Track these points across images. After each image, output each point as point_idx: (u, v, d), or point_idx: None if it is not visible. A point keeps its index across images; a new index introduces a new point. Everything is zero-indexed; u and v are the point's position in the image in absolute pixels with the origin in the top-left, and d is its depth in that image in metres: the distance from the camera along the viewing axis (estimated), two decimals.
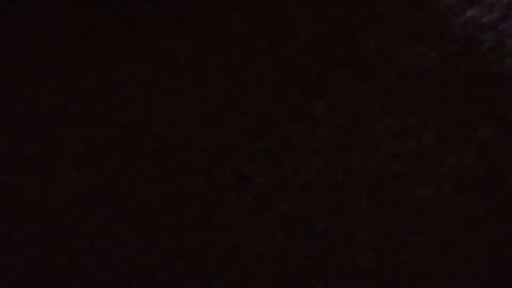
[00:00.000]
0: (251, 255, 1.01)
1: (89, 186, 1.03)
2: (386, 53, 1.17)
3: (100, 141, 1.07)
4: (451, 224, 1.06)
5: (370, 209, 1.06)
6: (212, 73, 1.14)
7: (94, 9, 1.14)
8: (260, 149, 1.08)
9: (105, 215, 1.04)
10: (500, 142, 1.12)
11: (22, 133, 1.08)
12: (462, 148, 1.11)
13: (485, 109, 1.15)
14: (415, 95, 1.14)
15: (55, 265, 1.00)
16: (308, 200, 1.06)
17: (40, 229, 1.03)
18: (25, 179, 1.06)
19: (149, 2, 1.17)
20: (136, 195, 1.03)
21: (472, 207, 1.07)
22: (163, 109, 1.10)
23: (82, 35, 1.14)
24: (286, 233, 1.04)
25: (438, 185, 1.08)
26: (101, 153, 1.06)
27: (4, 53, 1.11)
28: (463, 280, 1.05)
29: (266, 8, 1.17)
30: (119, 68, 1.12)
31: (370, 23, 1.20)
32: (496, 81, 1.18)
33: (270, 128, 1.09)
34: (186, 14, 1.19)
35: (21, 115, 1.10)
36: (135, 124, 1.08)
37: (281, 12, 1.18)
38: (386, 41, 1.19)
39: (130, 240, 1.02)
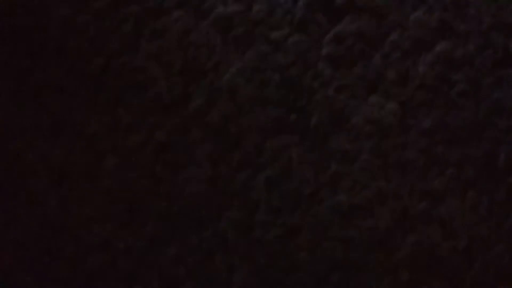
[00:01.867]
0: None
1: None
2: (336, 111, 0.99)
3: None
4: None
5: None
6: (134, 152, 0.99)
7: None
8: (189, 246, 0.94)
9: None
10: (468, 214, 0.95)
11: None
12: (424, 224, 0.95)
13: (452, 174, 0.97)
14: (369, 162, 0.97)
15: None
16: None
17: None
18: None
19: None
20: None
21: None
22: (78, 201, 0.96)
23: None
24: None
25: (395, 275, 0.93)
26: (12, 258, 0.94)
27: None
28: None
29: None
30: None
31: (316, 74, 1.02)
32: (469, 136, 1.00)
33: (201, 220, 0.95)
34: None
35: None
36: None
37: None
38: (335, 92, 1.01)
39: None
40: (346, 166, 0.97)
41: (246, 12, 1.04)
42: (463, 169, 0.97)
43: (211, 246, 0.93)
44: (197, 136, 0.99)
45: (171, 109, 1.00)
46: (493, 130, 0.99)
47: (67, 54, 1.03)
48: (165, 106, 1.00)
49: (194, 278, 0.92)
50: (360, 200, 0.95)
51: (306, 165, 0.97)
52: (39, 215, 0.96)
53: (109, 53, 1.03)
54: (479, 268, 0.92)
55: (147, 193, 0.96)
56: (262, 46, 1.03)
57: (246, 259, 0.92)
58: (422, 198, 0.95)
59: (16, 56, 1.04)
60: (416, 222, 0.94)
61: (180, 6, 1.05)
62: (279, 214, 0.95)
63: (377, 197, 0.95)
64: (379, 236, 0.93)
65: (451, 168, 0.97)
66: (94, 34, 1.03)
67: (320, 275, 0.91)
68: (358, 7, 1.04)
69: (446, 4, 1.05)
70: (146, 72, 1.02)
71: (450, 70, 1.02)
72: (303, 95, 1.00)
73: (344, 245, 0.93)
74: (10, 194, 0.98)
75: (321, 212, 0.95)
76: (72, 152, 0.99)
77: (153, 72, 1.02)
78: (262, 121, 0.99)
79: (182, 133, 0.99)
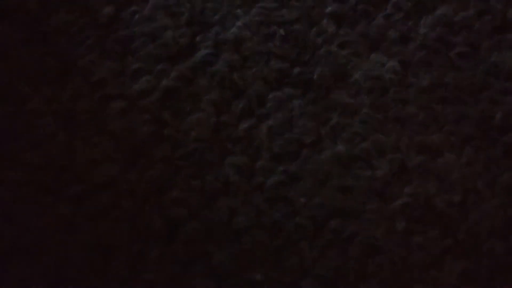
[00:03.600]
0: None
1: None
2: (338, 66, 1.02)
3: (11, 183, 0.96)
4: (404, 267, 0.93)
5: (315, 254, 0.94)
6: (140, 97, 1.01)
7: None
8: (192, 189, 0.96)
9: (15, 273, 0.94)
10: (464, 169, 0.98)
11: None
12: (421, 177, 0.98)
13: (450, 131, 1.00)
14: (369, 116, 1.00)
15: None
16: (244, 247, 0.94)
17: None
18: None
19: None
20: (51, 248, 0.93)
21: (428, 247, 0.94)
22: (83, 144, 0.98)
23: None
24: (219, 287, 0.93)
25: (391, 223, 0.95)
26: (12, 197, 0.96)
27: None
28: None
29: None
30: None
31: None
32: (467, 95, 1.03)
33: (204, 164, 0.97)
34: None
35: None
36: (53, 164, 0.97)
37: None
38: (338, 48, 1.04)
39: None
40: (346, 118, 0.99)
41: None
42: (460, 126, 1.00)
43: (214, 190, 0.95)
44: (202, 84, 1.01)
45: (178, 58, 1.03)
46: (490, 91, 1.02)
47: (77, 1, 1.05)
48: (172, 55, 1.03)
49: (196, 220, 0.94)
50: (359, 151, 0.98)
51: (307, 116, 0.99)
52: (44, 156, 0.98)
53: (118, 2, 1.06)
54: (473, 221, 0.95)
55: (152, 137, 0.98)
56: (268, 1, 1.06)
57: (247, 203, 0.94)
58: (419, 151, 0.98)
59: (27, 2, 1.06)
60: (413, 174, 0.97)
61: None
62: (281, 161, 0.97)
63: (376, 149, 0.98)
64: (377, 186, 0.96)
65: (448, 125, 1.00)
66: None
67: (318, 221, 0.94)
68: None
69: None
70: (155, 22, 1.04)
71: (450, 32, 1.05)
72: (307, 50, 1.03)
73: (342, 193, 0.95)
74: (16, 137, 1.00)
75: (321, 161, 0.97)
76: (80, 97, 1.01)
77: (161, 22, 1.04)
78: (266, 73, 1.02)
79: (188, 81, 1.01)
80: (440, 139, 0.99)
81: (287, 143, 0.98)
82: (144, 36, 1.04)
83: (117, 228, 0.94)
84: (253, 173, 0.97)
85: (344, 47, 1.03)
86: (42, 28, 1.05)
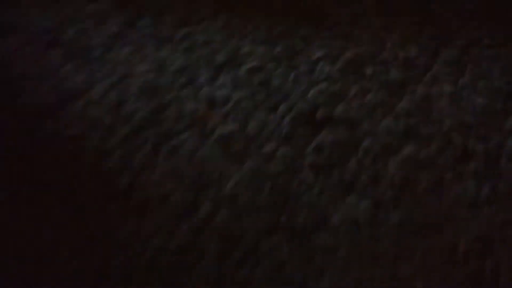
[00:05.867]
0: None
1: None
2: (318, 212, 1.18)
3: None
4: None
5: None
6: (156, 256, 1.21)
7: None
8: None
9: None
10: None
11: None
12: None
13: (419, 262, 1.14)
14: (347, 254, 1.15)
15: None
16: None
17: None
18: None
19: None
20: None
21: None
22: None
23: None
24: None
25: None
26: None
27: None
28: None
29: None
30: None
31: (303, 179, 1.21)
32: (432, 228, 1.16)
33: None
34: None
35: None
36: None
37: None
38: (317, 196, 1.20)
39: None
40: (328, 258, 1.15)
41: (242, 130, 1.24)
42: (428, 257, 1.14)
43: None
44: (206, 237, 1.20)
45: (184, 216, 1.22)
46: (454, 221, 1.15)
47: (101, 173, 1.27)
48: (179, 214, 1.22)
49: None
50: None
51: (295, 258, 1.16)
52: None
53: (133, 170, 1.26)
54: None
55: None
56: (256, 157, 1.23)
57: None
58: (392, 283, 1.13)
59: (63, 178, 1.28)
60: None
61: (188, 128, 1.26)
62: None
63: (355, 284, 1.13)
64: None
65: (417, 257, 1.14)
66: (121, 155, 1.27)
67: None
68: (335, 120, 1.22)
69: (411, 110, 1.22)
70: (163, 186, 1.24)
71: (415, 170, 1.19)
72: (291, 200, 1.20)
73: None
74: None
75: None
76: (110, 258, 1.22)
77: (169, 186, 1.24)
78: (258, 224, 1.19)
79: (194, 236, 1.20)
80: (410, 270, 1.13)
81: (280, 285, 1.15)
82: (156, 198, 1.24)
83: None
84: None
85: (322, 194, 1.19)
86: (77, 198, 1.27)
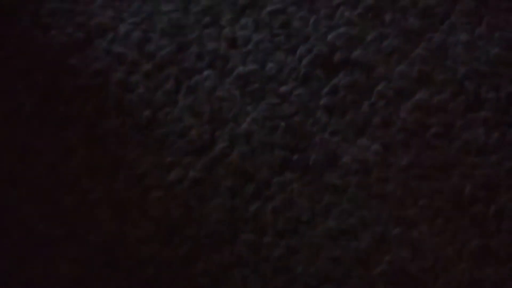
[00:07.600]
0: None
1: None
2: (330, 152, 1.22)
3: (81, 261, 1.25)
4: None
5: None
6: (172, 185, 1.27)
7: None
8: (213, 262, 1.21)
9: None
10: (435, 237, 1.15)
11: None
12: (398, 246, 1.16)
13: (425, 204, 1.17)
14: (356, 194, 1.19)
15: None
16: None
17: None
18: None
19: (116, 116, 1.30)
20: None
21: None
22: (132, 226, 1.25)
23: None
24: None
25: (373, 287, 1.15)
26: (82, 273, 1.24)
27: None
28: None
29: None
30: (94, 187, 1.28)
31: (315, 119, 1.25)
32: (439, 172, 1.19)
33: (222, 241, 1.21)
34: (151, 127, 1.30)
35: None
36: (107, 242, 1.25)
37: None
38: (330, 136, 1.23)
39: None
40: (336, 197, 1.20)
41: (260, 70, 1.28)
42: (434, 200, 1.17)
43: (230, 262, 1.19)
44: (220, 173, 1.25)
45: (201, 151, 1.27)
46: (461, 167, 1.18)
47: (123, 107, 1.32)
48: (196, 149, 1.27)
49: (216, 287, 1.19)
50: (347, 226, 1.18)
51: (304, 196, 1.20)
52: (98, 238, 1.26)
53: (154, 106, 1.31)
54: (442, 284, 1.13)
55: (182, 219, 1.23)
56: (272, 98, 1.27)
57: (257, 273, 1.18)
58: (397, 224, 1.17)
59: (85, 111, 1.34)
60: (391, 244, 1.16)
61: (209, 67, 1.30)
62: (283, 237, 1.19)
63: (361, 223, 1.18)
64: (361, 255, 1.16)
65: (423, 199, 1.17)
66: (143, 91, 1.31)
67: (313, 287, 1.16)
68: (352, 63, 1.25)
69: (426, 57, 1.24)
70: (183, 122, 1.29)
71: (426, 115, 1.22)
72: (304, 139, 1.24)
73: (333, 263, 1.16)
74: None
75: (315, 236, 1.18)
76: (128, 187, 1.28)
77: (187, 121, 1.29)
78: (271, 161, 1.23)
79: (209, 171, 1.25)
80: (415, 212, 1.17)
81: (288, 221, 1.20)
82: (175, 133, 1.29)
83: None
84: (261, 247, 1.20)
85: (334, 135, 1.23)
86: (98, 130, 1.32)
